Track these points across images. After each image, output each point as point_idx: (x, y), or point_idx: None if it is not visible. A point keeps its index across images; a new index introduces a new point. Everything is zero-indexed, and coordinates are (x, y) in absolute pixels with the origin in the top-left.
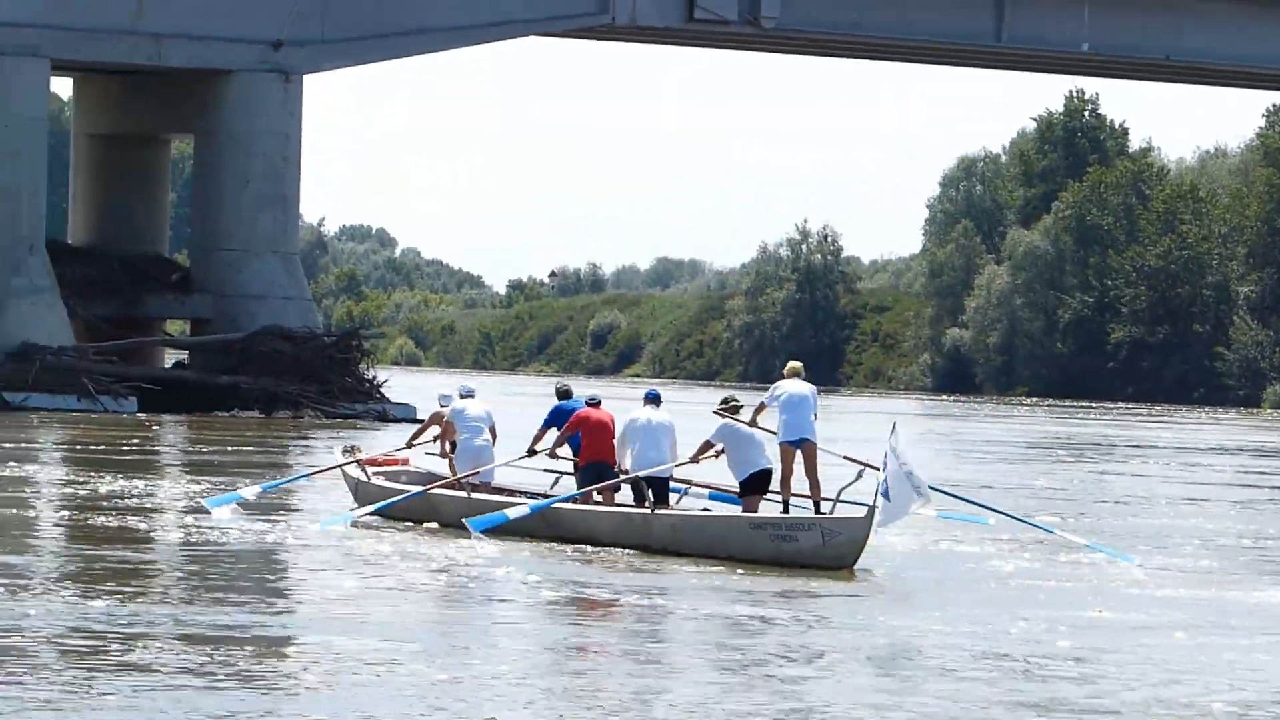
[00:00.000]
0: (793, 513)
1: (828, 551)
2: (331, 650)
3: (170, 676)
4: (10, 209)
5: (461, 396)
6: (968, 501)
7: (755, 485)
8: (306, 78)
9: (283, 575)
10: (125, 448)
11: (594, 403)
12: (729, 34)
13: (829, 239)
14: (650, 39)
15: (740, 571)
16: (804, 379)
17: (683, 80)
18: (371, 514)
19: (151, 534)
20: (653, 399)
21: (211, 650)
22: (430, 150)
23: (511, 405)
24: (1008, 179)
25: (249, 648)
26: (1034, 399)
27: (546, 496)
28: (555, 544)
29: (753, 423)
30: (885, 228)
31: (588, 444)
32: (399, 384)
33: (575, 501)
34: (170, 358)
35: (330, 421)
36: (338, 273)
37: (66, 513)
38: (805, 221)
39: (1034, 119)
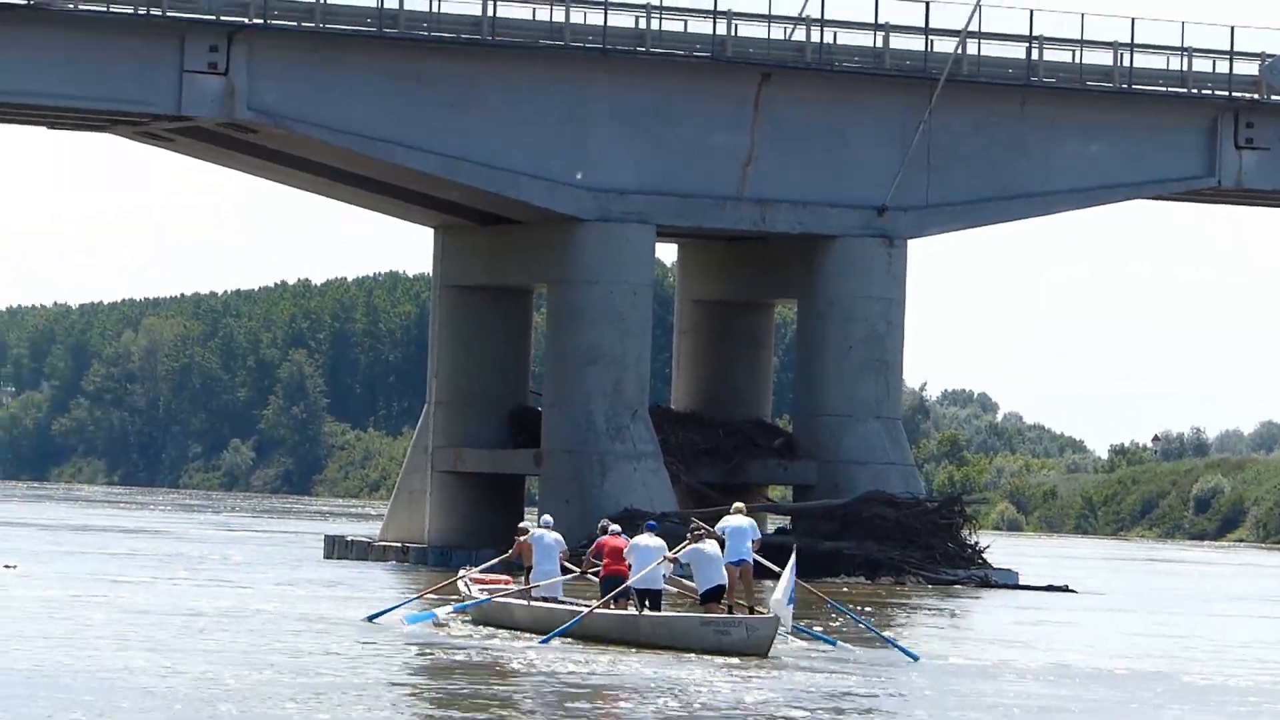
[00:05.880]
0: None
1: (750, 642)
2: None
3: None
4: (614, 374)
5: (540, 527)
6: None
7: (712, 596)
8: (911, 241)
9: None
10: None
11: (615, 532)
12: None
13: None
14: (1256, 201)
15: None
16: (745, 515)
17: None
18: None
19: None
20: (651, 528)
21: None
22: (1031, 314)
23: (1106, 569)
24: None
25: None
26: None
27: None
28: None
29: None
30: None
31: (607, 562)
32: (1000, 549)
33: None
34: (773, 523)
35: (933, 587)
36: (940, 438)
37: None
38: None
39: None
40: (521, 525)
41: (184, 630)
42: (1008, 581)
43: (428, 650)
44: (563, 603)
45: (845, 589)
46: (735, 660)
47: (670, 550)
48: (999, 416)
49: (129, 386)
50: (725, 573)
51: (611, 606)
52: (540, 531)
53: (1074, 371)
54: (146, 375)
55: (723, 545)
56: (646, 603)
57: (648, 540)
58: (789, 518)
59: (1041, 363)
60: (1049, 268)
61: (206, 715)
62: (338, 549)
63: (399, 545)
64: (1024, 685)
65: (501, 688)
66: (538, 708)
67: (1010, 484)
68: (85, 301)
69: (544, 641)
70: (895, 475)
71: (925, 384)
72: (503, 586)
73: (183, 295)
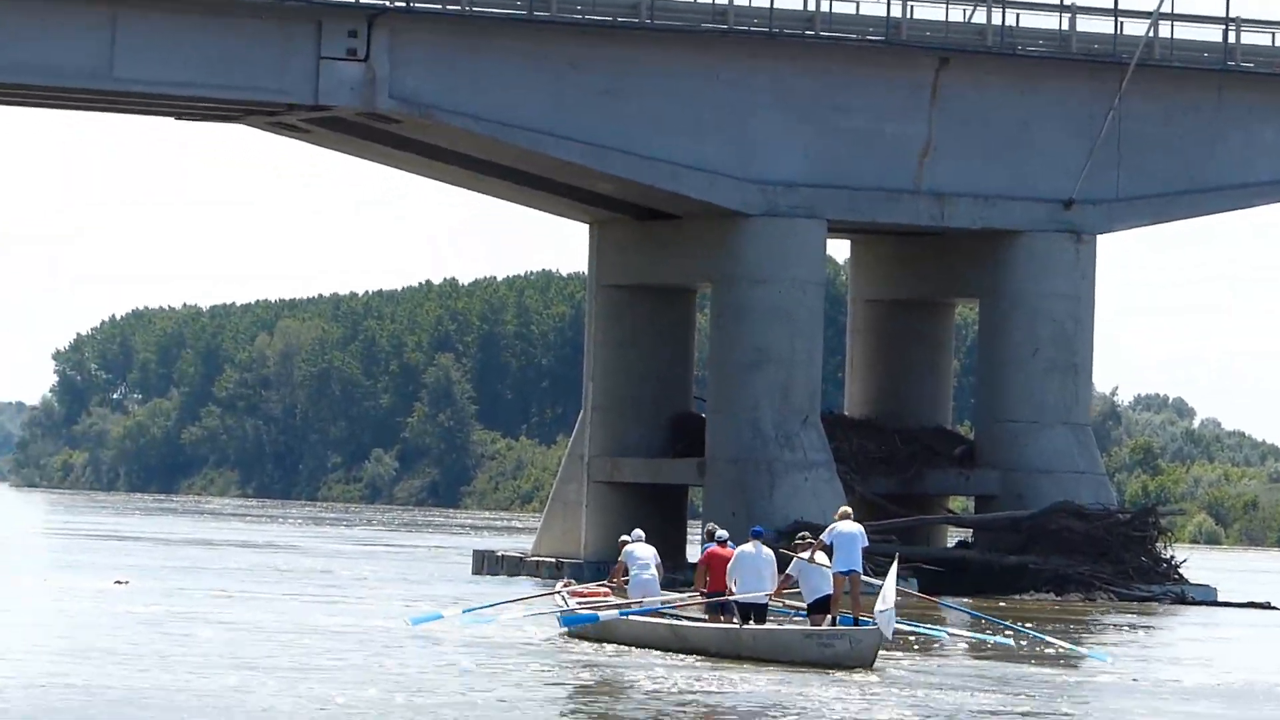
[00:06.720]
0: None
1: (854, 654)
2: None
3: None
4: (783, 378)
5: (633, 540)
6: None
7: (819, 607)
8: (1100, 236)
9: None
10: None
11: (722, 542)
12: None
13: None
14: None
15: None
16: (854, 521)
17: None
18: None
19: None
20: (757, 534)
21: None
22: (1229, 313)
23: None
24: None
25: None
26: None
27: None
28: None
29: (811, 558)
30: None
31: (714, 577)
32: (1198, 564)
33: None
34: (953, 537)
35: (1124, 604)
36: (1132, 445)
37: None
38: None
39: None
40: (623, 538)
41: (295, 648)
42: (1205, 598)
43: (551, 667)
44: (662, 613)
45: (1007, 606)
46: (873, 678)
47: (779, 563)
48: (1196, 422)
49: (263, 393)
50: (832, 582)
51: (720, 619)
52: (632, 546)
53: (1276, 374)
54: (282, 381)
55: (830, 553)
56: (751, 618)
57: (754, 550)
58: (970, 531)
59: (1241, 365)
60: (1246, 264)
61: None
62: (487, 564)
63: (553, 560)
64: (1179, 705)
65: (627, 707)
66: None
67: (1208, 494)
68: (217, 303)
69: (565, 622)
70: (1084, 485)
71: (1116, 388)
72: (600, 599)
73: (321, 296)
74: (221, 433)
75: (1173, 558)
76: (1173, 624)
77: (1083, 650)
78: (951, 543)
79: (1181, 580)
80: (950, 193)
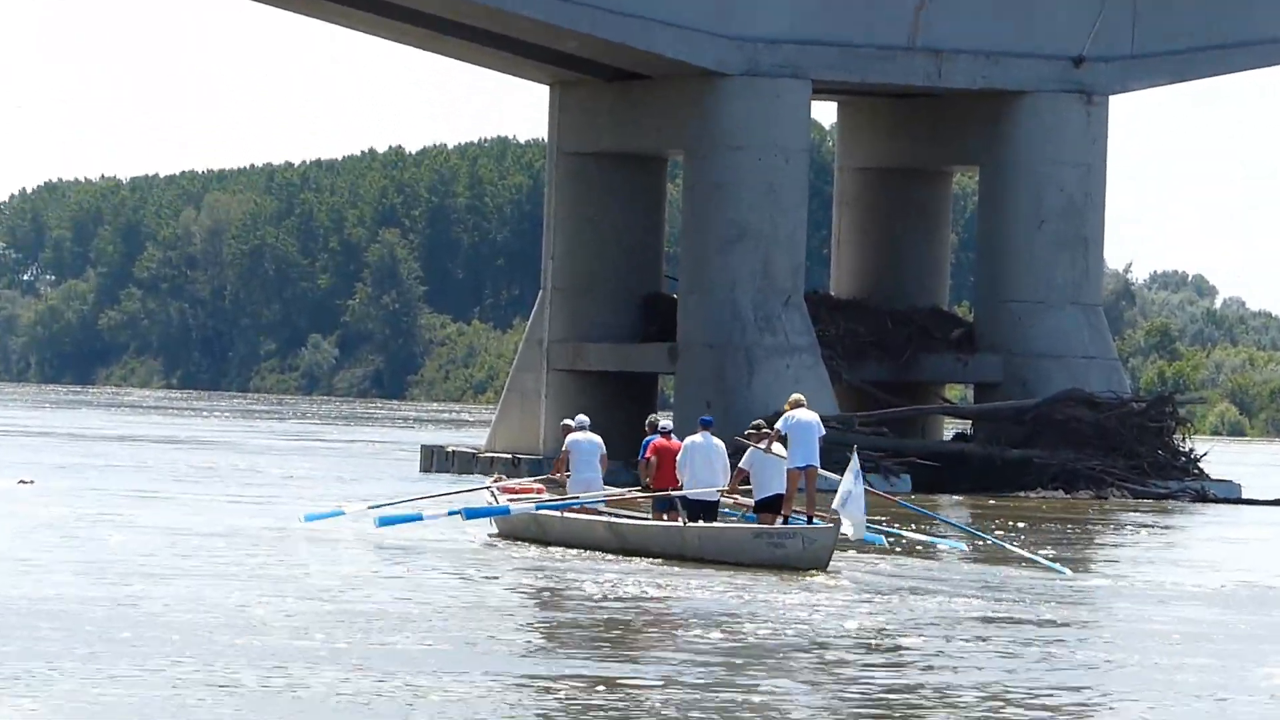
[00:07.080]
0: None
1: (807, 555)
2: None
3: None
4: (763, 254)
5: (576, 428)
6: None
7: (769, 505)
8: (1112, 98)
9: None
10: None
11: (666, 433)
12: None
13: None
14: None
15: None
16: (808, 409)
17: None
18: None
19: None
20: (707, 424)
21: None
22: (1254, 183)
23: None
24: None
25: None
26: None
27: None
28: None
29: (768, 449)
30: None
31: (662, 471)
32: (1219, 457)
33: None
34: (950, 428)
35: (1138, 501)
36: (1147, 327)
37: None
38: None
39: None
40: (565, 422)
41: (211, 553)
42: (1228, 495)
43: (490, 574)
44: (603, 513)
45: (1006, 504)
46: (845, 583)
47: (733, 457)
48: (1217, 302)
49: (189, 274)
50: (787, 479)
51: (664, 518)
52: (577, 435)
53: None
54: (210, 260)
55: (786, 444)
56: (702, 517)
57: (703, 440)
58: (969, 422)
59: (1267, 240)
60: (1275, 128)
61: (218, 647)
62: (436, 461)
63: (509, 456)
64: (1171, 609)
65: (573, 614)
66: (658, 639)
67: (1231, 381)
68: (138, 174)
69: (468, 515)
70: (1095, 371)
71: (1130, 265)
72: (532, 496)
73: (253, 166)
74: (143, 317)
75: (1192, 451)
76: (1189, 523)
77: (1040, 560)
78: (949, 435)
79: (1201, 475)
80: (948, 49)
